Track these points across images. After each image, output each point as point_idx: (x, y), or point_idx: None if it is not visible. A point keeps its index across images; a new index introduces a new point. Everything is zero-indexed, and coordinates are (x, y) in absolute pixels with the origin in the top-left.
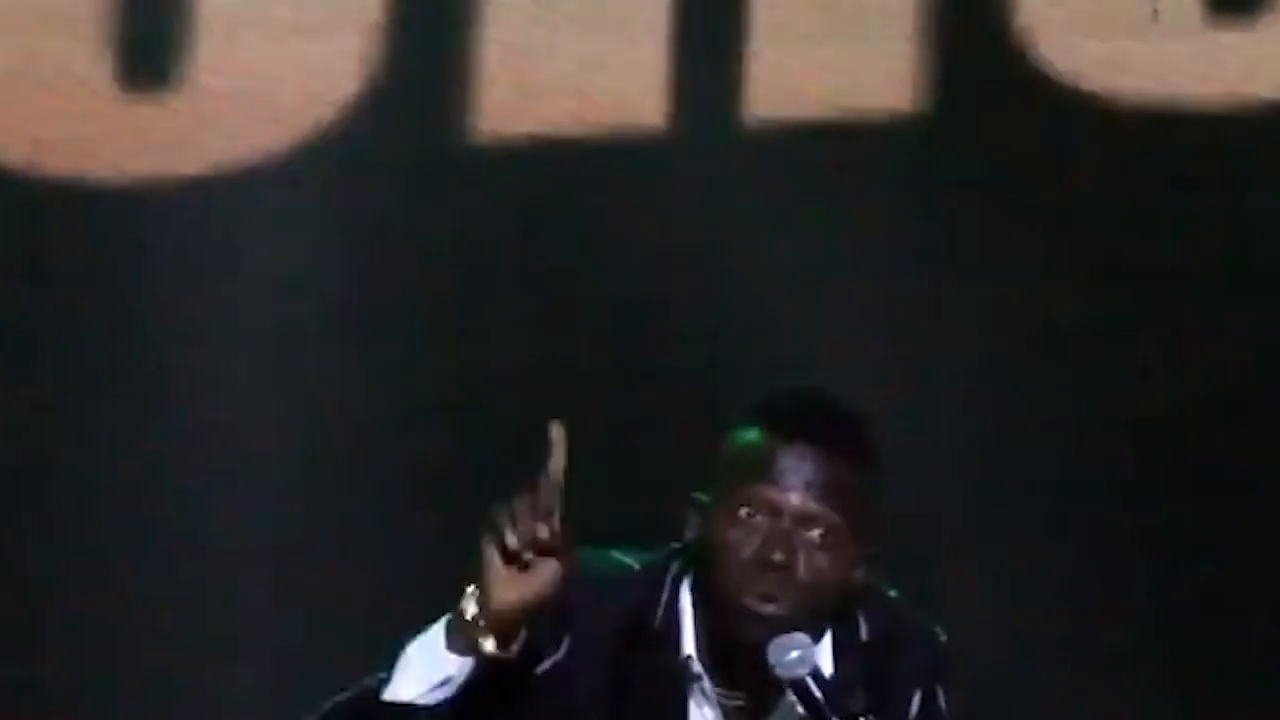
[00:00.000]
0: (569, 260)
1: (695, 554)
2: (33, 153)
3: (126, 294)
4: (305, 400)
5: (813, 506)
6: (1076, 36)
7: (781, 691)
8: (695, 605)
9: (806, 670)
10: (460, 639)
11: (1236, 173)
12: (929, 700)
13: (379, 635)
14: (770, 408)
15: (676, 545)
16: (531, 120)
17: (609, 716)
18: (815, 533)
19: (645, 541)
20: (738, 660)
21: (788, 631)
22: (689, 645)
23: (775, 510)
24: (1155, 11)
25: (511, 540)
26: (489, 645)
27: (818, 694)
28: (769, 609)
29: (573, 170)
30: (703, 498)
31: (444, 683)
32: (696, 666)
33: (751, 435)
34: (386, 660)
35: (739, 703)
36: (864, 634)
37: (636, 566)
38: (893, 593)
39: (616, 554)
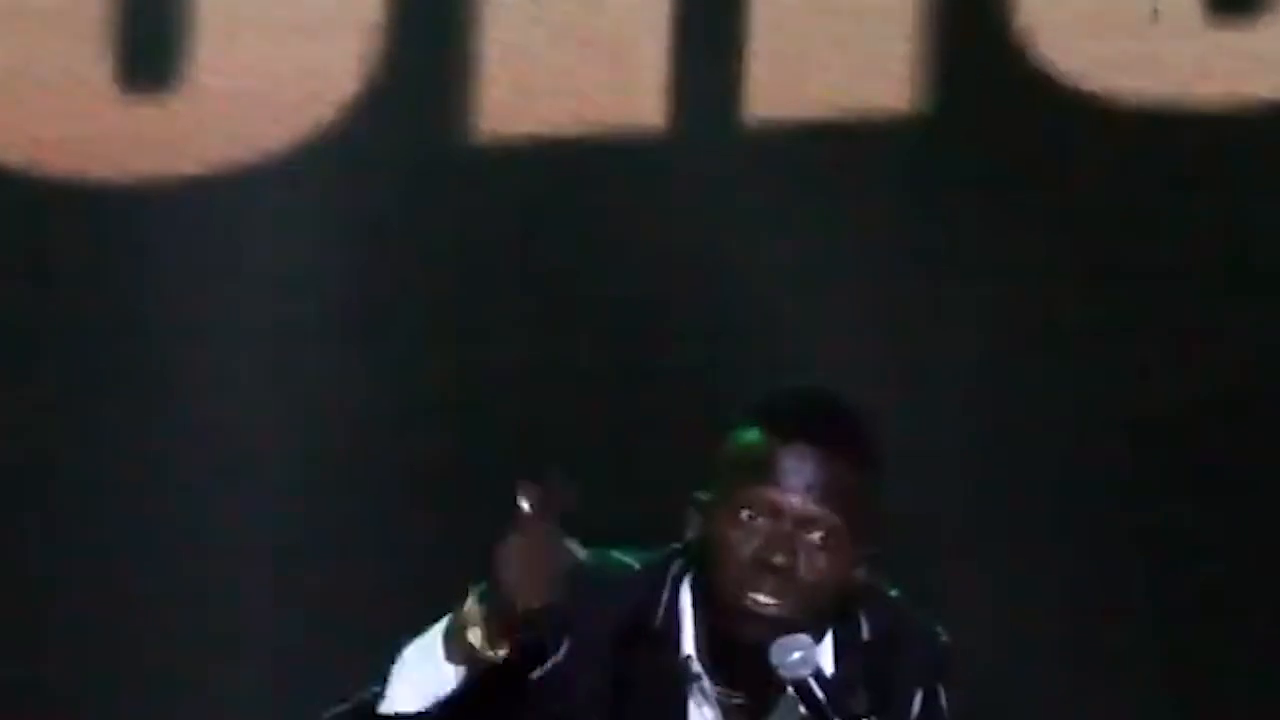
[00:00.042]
0: (569, 260)
1: (695, 554)
2: (33, 153)
3: (127, 294)
4: (305, 400)
5: (813, 509)
6: (1076, 36)
7: (781, 691)
8: (695, 605)
9: (809, 671)
10: (460, 649)
11: (1236, 173)
12: (930, 700)
13: (379, 635)
14: (770, 408)
15: (676, 545)
16: (531, 120)
17: (609, 716)
18: (816, 534)
19: (645, 541)
20: (738, 660)
21: (788, 632)
22: (689, 645)
23: (776, 512)
24: (1155, 11)
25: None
26: (500, 651)
27: (820, 695)
28: (770, 609)
29: (573, 170)
30: (703, 497)
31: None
32: (696, 666)
33: (752, 435)
34: (386, 660)
35: (739, 702)
36: (865, 634)
37: (636, 566)
38: (894, 592)
39: (616, 554)
